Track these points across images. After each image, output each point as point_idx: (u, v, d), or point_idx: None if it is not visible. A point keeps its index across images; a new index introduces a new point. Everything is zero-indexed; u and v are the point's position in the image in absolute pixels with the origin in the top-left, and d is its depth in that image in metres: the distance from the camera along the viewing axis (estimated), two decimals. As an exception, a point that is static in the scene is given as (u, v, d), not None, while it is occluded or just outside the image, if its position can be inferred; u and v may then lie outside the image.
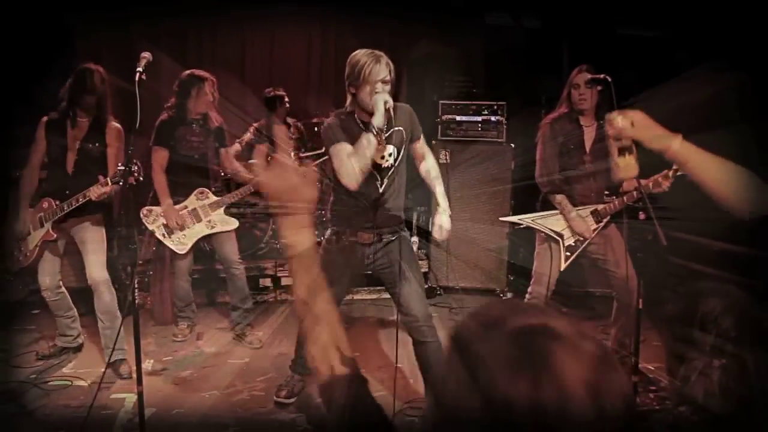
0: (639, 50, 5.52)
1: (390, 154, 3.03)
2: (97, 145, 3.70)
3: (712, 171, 1.44)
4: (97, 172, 3.60)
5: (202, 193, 4.24)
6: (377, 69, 2.83)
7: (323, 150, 4.29)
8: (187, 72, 4.14)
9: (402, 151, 3.08)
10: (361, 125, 2.94)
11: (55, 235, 3.69)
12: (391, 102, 2.79)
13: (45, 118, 3.74)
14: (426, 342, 3.11)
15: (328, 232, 3.24)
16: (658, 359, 3.76)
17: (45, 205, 3.69)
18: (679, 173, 3.25)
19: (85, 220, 3.75)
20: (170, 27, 6.62)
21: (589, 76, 3.50)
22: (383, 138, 2.89)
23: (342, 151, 2.87)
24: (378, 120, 2.77)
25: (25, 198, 3.75)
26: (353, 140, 2.87)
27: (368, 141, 2.78)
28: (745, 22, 4.15)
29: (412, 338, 3.16)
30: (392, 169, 3.06)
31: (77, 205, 3.57)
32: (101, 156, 3.70)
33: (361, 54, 2.89)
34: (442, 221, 3.13)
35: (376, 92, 2.82)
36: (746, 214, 1.41)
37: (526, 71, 6.27)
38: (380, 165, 3.00)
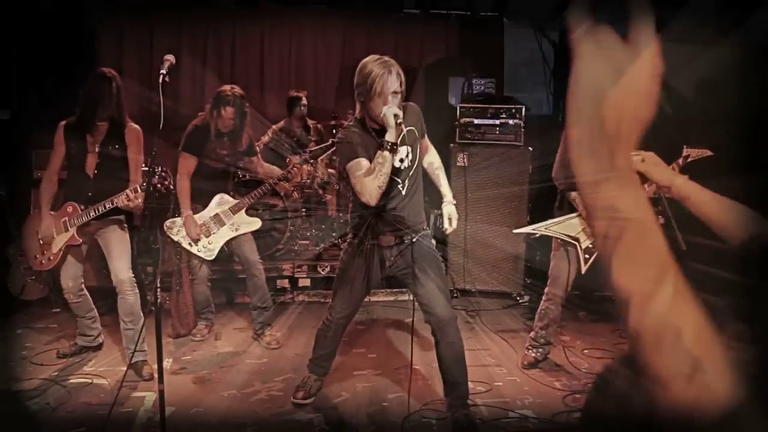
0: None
1: (407, 155, 3.03)
2: (117, 147, 3.71)
3: (709, 207, 1.65)
4: (119, 175, 3.64)
5: (221, 197, 4.29)
6: (390, 81, 2.78)
7: (330, 143, 4.31)
8: (226, 87, 4.13)
9: (417, 150, 3.08)
10: (373, 134, 2.93)
11: (81, 240, 3.72)
12: (401, 114, 2.76)
13: (63, 123, 3.75)
14: (448, 342, 3.10)
15: (350, 236, 3.25)
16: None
17: (69, 209, 3.70)
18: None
19: (108, 223, 3.76)
20: (190, 27, 6.66)
21: None
22: (398, 149, 2.86)
23: (359, 169, 2.85)
24: (391, 136, 2.75)
25: (46, 202, 3.77)
26: (368, 149, 2.88)
27: (384, 159, 2.77)
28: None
29: (434, 338, 3.16)
30: (410, 170, 3.05)
31: (104, 211, 3.59)
32: (122, 159, 3.72)
33: (372, 63, 2.82)
34: (450, 211, 3.17)
35: (386, 105, 2.78)
36: (740, 244, 1.57)
37: (546, 75, 6.25)
38: (398, 168, 2.99)
